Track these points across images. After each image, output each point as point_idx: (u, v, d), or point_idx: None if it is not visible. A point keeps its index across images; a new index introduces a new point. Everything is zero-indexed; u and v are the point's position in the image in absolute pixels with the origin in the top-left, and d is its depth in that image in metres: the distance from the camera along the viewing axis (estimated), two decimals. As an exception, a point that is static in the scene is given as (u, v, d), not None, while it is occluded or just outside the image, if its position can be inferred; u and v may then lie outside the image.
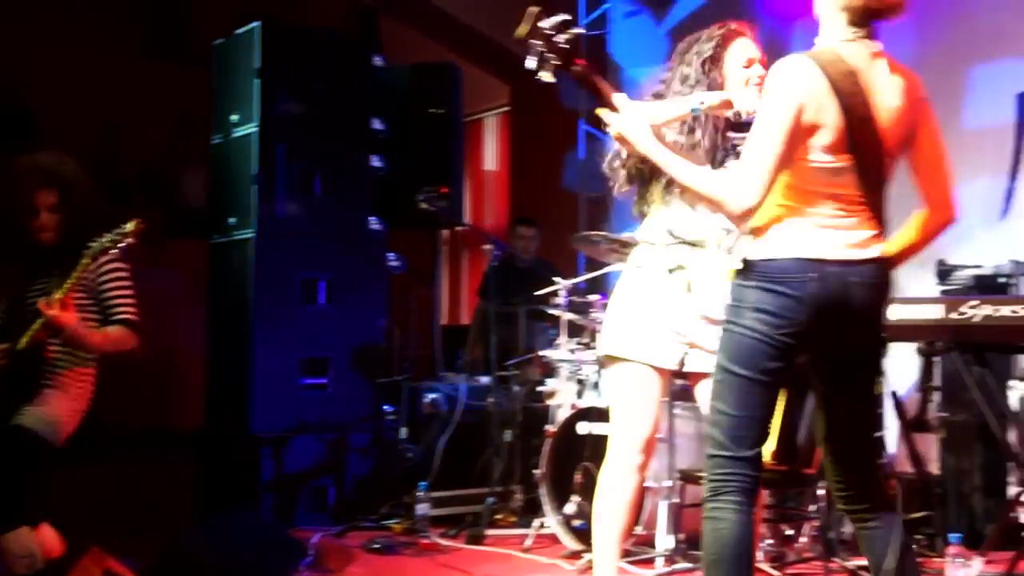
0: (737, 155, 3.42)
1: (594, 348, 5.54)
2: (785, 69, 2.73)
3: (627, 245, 5.17)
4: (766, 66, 3.42)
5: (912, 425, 4.11)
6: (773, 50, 3.51)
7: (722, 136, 3.42)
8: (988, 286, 5.52)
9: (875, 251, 2.76)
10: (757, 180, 2.68)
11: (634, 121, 2.92)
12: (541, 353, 6.03)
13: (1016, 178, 6.19)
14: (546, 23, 2.88)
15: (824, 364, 2.87)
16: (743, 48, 3.45)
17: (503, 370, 6.49)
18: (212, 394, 6.47)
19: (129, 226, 4.11)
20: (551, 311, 5.97)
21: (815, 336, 2.75)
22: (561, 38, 2.89)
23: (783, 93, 2.71)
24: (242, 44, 6.24)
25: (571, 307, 5.83)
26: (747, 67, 3.44)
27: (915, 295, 4.92)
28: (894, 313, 4.23)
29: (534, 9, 2.89)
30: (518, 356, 6.49)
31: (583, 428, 5.25)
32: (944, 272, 5.69)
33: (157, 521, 5.30)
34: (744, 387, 2.76)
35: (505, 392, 6.42)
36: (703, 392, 3.50)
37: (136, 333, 4.37)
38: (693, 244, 3.46)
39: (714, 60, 3.43)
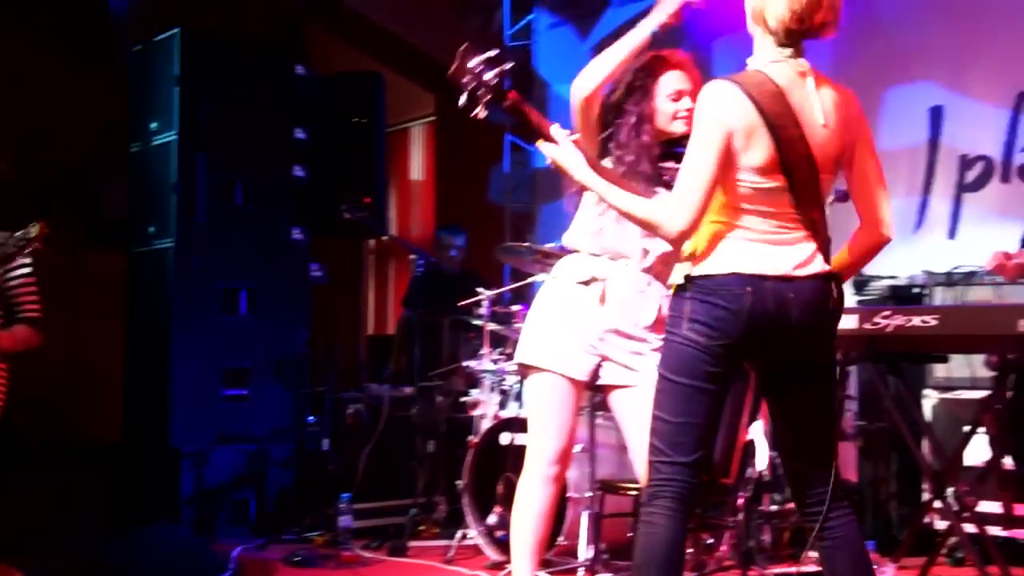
0: (667, 184, 3.41)
1: (517, 359, 5.53)
2: (711, 95, 2.75)
3: (551, 256, 5.18)
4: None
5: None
6: (697, 67, 3.53)
7: (654, 164, 3.40)
8: (903, 296, 5.62)
9: (815, 267, 2.77)
10: (690, 204, 2.71)
11: (571, 152, 2.96)
12: (464, 364, 6.01)
13: (929, 192, 6.32)
14: (474, 61, 2.89)
15: (767, 376, 2.90)
16: (672, 79, 3.42)
17: (427, 380, 6.45)
18: (132, 405, 6.36)
19: (33, 230, 4.02)
20: (474, 321, 5.95)
21: (752, 349, 2.78)
22: (491, 74, 2.90)
23: (711, 120, 2.73)
24: (161, 51, 6.15)
25: (494, 318, 5.82)
26: (675, 100, 3.42)
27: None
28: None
29: (463, 47, 2.90)
30: (442, 366, 6.46)
31: (505, 438, 5.23)
32: (861, 283, 5.78)
33: (73, 535, 5.20)
34: (681, 394, 2.78)
35: (429, 403, 6.38)
36: (617, 404, 3.51)
37: (40, 331, 4.32)
38: (613, 257, 3.46)
39: (644, 91, 3.41)
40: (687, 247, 2.81)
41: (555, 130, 2.99)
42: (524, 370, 3.54)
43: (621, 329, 3.43)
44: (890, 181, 6.16)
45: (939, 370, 5.38)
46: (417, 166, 10.13)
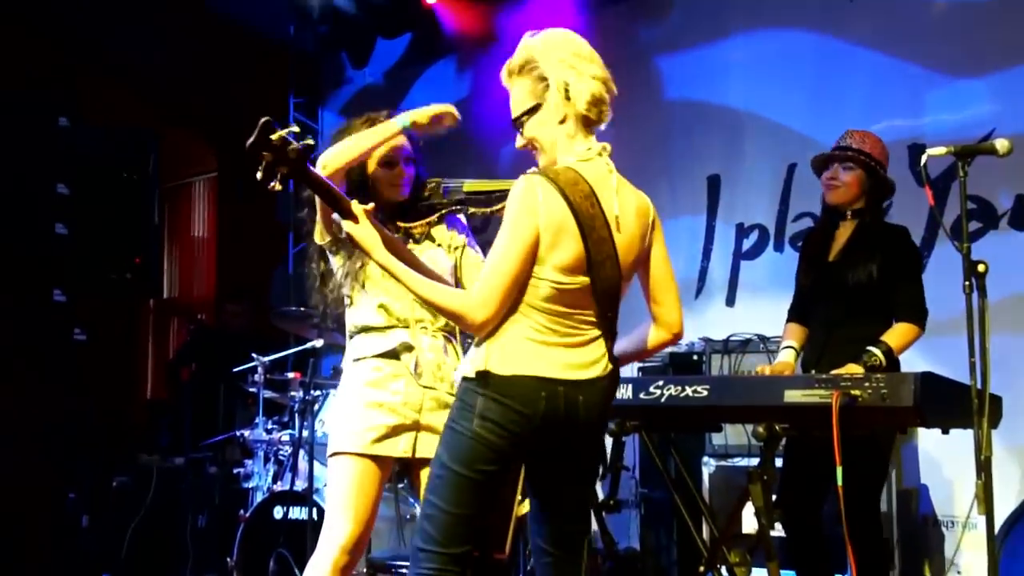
0: (412, 238, 3.46)
1: (292, 429, 5.43)
2: (525, 190, 2.75)
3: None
4: (410, 162, 3.46)
5: (603, 506, 4.16)
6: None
7: (392, 223, 3.41)
8: (683, 364, 5.74)
9: (603, 368, 2.82)
10: (493, 297, 2.71)
11: (369, 231, 2.91)
12: (239, 432, 5.84)
13: (709, 259, 6.50)
14: (276, 134, 2.80)
15: (545, 469, 2.89)
16: (391, 146, 3.43)
17: (199, 450, 6.25)
18: None
19: None
20: (250, 388, 5.80)
21: (536, 448, 2.79)
22: (291, 148, 2.81)
23: (523, 215, 2.73)
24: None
25: (270, 384, 5.69)
26: (387, 166, 3.44)
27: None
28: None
29: (264, 119, 2.81)
30: (216, 435, 6.27)
31: (279, 513, 5.10)
32: (642, 351, 5.86)
33: None
34: (461, 485, 2.75)
35: (200, 474, 6.18)
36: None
37: None
38: (407, 324, 3.42)
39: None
40: (482, 339, 2.79)
41: (355, 206, 2.93)
42: (335, 455, 3.41)
43: (439, 397, 3.40)
44: (672, 249, 6.39)
45: (717, 438, 5.50)
46: (199, 223, 9.90)
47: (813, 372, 3.96)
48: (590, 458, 2.93)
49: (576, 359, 2.79)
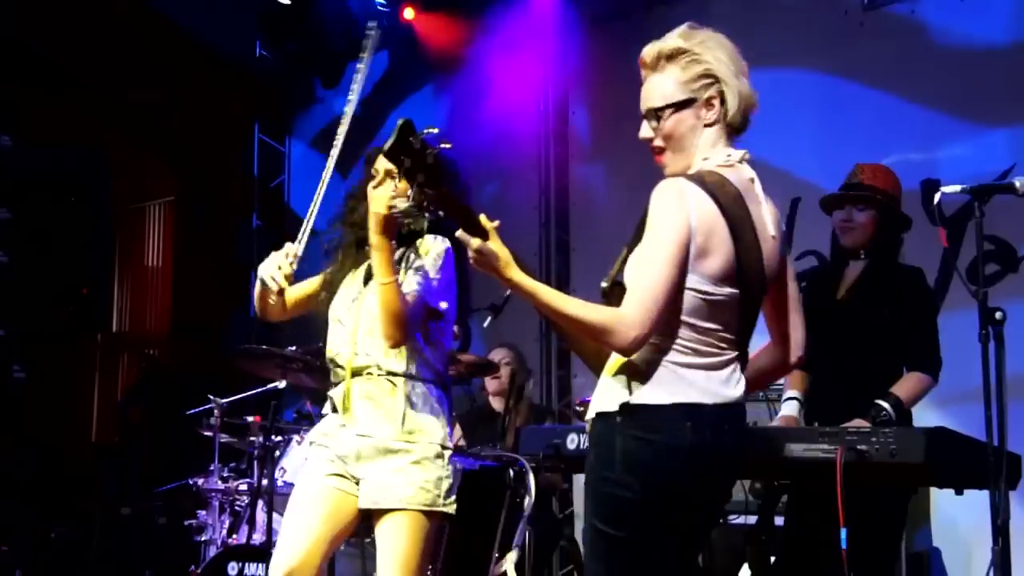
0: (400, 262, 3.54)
1: (250, 477, 5.41)
2: (671, 192, 2.66)
3: (292, 360, 5.08)
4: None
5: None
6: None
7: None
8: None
9: (742, 391, 2.74)
10: (649, 309, 2.59)
11: (501, 248, 2.76)
12: (191, 480, 5.80)
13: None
14: (415, 137, 2.68)
15: (685, 517, 2.73)
16: (384, 163, 3.53)
17: (148, 498, 6.22)
18: None
19: None
20: (205, 432, 5.77)
21: (690, 487, 2.67)
22: (430, 153, 2.69)
23: (672, 216, 2.64)
24: None
25: (226, 428, 5.66)
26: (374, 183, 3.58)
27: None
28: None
29: (403, 120, 2.70)
30: (166, 483, 6.24)
31: (234, 569, 5.06)
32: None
33: None
34: (622, 549, 2.65)
35: (148, 525, 6.15)
36: (382, 533, 3.43)
37: None
38: (341, 366, 3.52)
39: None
40: (615, 367, 2.71)
41: (485, 221, 2.79)
42: None
43: (378, 444, 3.42)
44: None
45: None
46: (153, 251, 9.89)
47: (816, 424, 3.95)
48: (724, 499, 2.88)
49: (719, 381, 2.69)
